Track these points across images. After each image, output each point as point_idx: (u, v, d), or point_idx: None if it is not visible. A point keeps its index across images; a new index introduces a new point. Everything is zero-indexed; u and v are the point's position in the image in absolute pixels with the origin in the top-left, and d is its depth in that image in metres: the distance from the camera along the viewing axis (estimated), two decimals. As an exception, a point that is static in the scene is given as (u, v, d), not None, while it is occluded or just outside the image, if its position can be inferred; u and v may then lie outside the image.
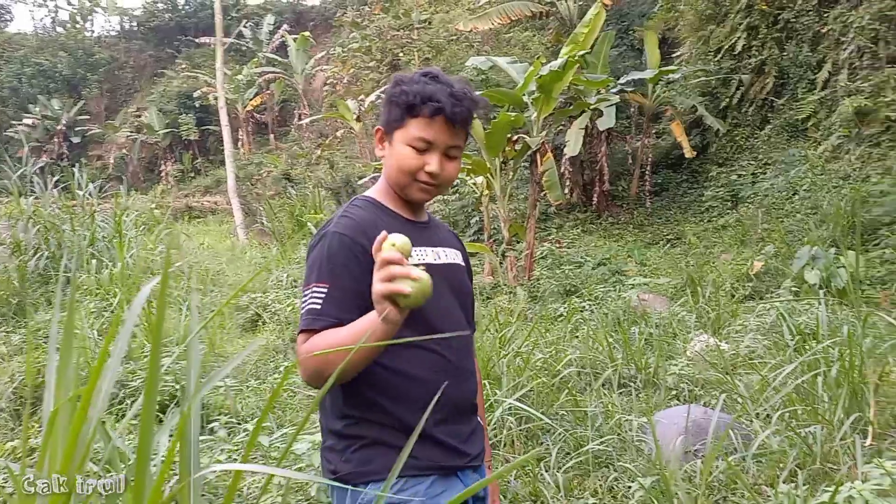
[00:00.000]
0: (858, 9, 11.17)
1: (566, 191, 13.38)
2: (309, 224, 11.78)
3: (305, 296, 1.52)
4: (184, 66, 32.62)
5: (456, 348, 1.64)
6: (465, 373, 1.67)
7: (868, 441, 2.93)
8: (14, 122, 31.49)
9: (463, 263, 1.79)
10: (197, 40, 31.54)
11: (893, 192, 8.92)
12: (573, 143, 11.94)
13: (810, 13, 12.39)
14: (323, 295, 1.49)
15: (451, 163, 1.63)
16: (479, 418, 1.76)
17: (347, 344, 1.40)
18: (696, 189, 13.84)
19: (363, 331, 1.40)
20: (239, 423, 3.80)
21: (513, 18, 14.27)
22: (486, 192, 10.94)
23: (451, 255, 1.72)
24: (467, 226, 14.38)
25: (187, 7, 37.44)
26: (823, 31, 12.00)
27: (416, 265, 1.39)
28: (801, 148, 11.79)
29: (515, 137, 10.02)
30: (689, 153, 13.42)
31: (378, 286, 1.34)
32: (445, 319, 1.62)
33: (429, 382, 1.55)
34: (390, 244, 1.35)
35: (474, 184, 11.42)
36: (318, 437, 3.17)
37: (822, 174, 10.58)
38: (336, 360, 1.41)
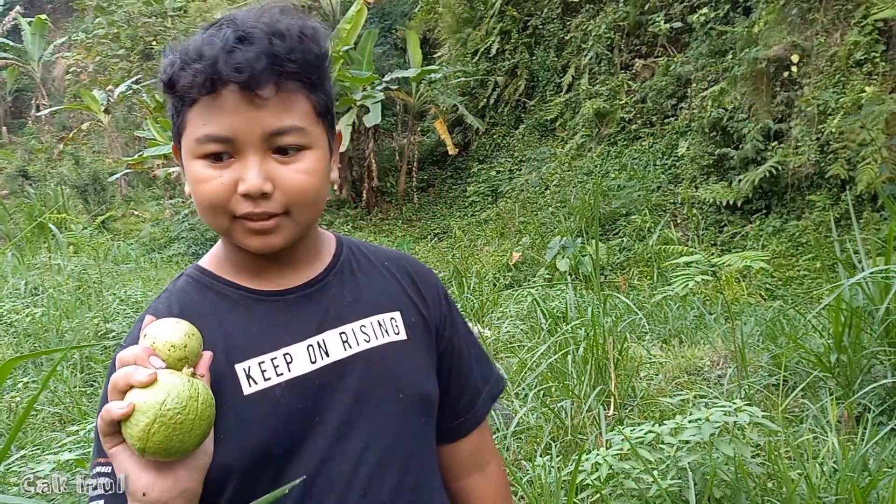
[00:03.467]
0: (596, 18, 12.34)
1: (335, 187, 13.36)
2: (51, 226, 10.66)
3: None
4: None
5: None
6: None
7: (610, 411, 3.25)
8: None
9: (403, 337, 1.02)
10: None
11: (628, 187, 9.99)
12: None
13: (555, 21, 13.47)
14: (105, 482, 0.83)
15: (289, 162, 0.89)
16: None
17: None
18: (460, 185, 14.51)
19: None
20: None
21: (276, 11, 13.95)
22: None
23: (372, 332, 1.00)
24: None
25: None
26: (567, 38, 13.11)
27: (266, 388, 0.89)
28: (550, 146, 12.79)
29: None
30: (452, 150, 14.02)
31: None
32: (341, 456, 0.94)
33: None
34: (149, 342, 0.79)
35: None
36: (65, 457, 2.88)
37: (569, 170, 11.55)
38: None
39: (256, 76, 0.84)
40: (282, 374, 0.92)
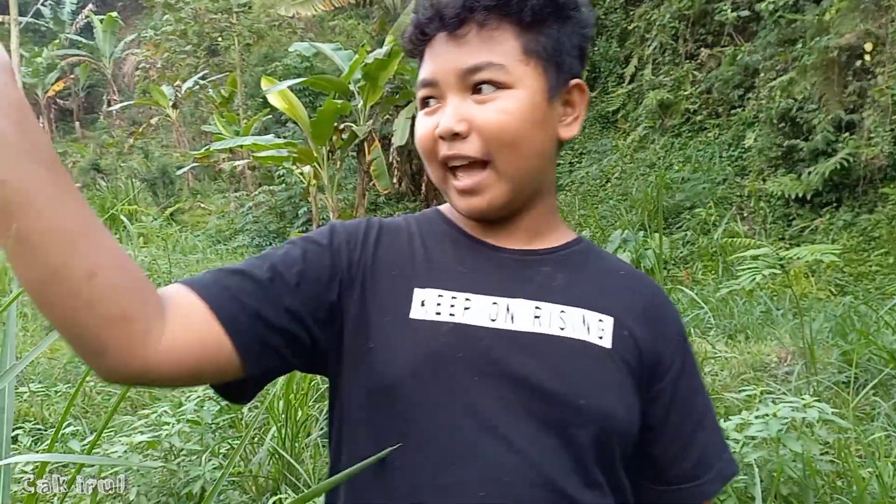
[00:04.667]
0: (660, 8, 12.11)
1: (394, 180, 13.48)
2: (123, 217, 11.03)
3: None
4: (-29, 45, 29.33)
5: None
6: None
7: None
8: None
9: (607, 345, 0.87)
10: (-13, 17, 28.50)
11: (693, 180, 9.79)
12: (400, 132, 12.05)
13: (618, 10, 13.27)
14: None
15: (485, 101, 0.83)
16: None
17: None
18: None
19: None
20: (46, 430, 3.50)
21: (336, 6, 14.12)
22: (314, 181, 10.78)
23: (571, 323, 0.86)
24: (295, 216, 14.11)
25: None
26: (630, 27, 12.90)
27: (433, 321, 0.84)
28: (612, 138, 12.62)
29: (342, 126, 9.95)
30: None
31: None
32: (460, 443, 0.82)
33: None
34: None
35: (301, 173, 11.22)
36: (137, 439, 2.99)
37: (630, 163, 11.39)
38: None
39: (454, 15, 0.83)
40: (454, 315, 0.85)
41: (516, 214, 0.91)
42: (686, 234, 8.88)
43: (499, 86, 0.83)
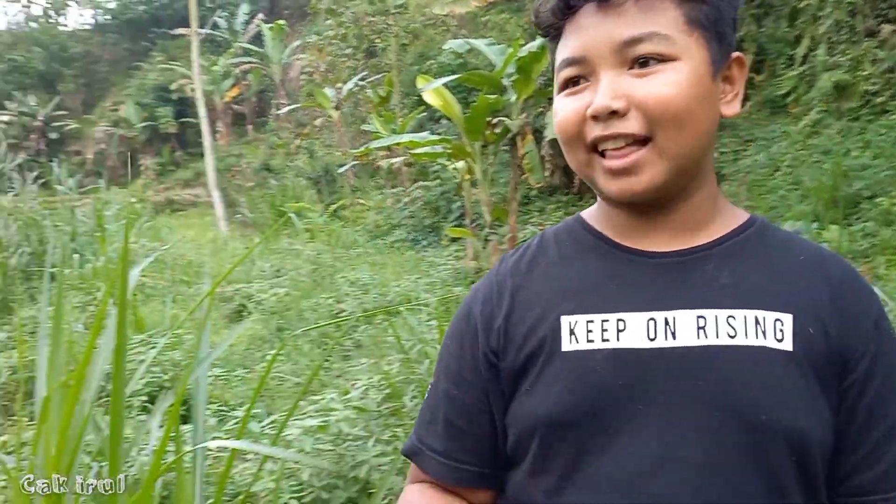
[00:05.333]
0: (834, -17, 11.23)
1: (547, 173, 13.40)
2: (291, 214, 11.72)
3: None
4: (159, 58, 32.24)
5: None
6: None
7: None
8: (-12, 120, 31.05)
9: (787, 347, 0.78)
10: (172, 32, 31.17)
11: (874, 167, 9.01)
12: (553, 124, 11.95)
13: (786, -11, 12.43)
14: (426, 399, 0.94)
15: (648, 74, 0.76)
16: None
17: None
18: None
19: None
20: (229, 411, 3.80)
21: (489, 1, 14.22)
22: (467, 176, 10.94)
23: (743, 327, 0.78)
24: (449, 211, 14.38)
25: (161, -2, 36.98)
26: (801, 6, 12.04)
27: (586, 350, 0.80)
28: (782, 124, 11.87)
29: (495, 120, 10.01)
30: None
31: None
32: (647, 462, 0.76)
33: None
34: None
35: (455, 169, 11.42)
36: (308, 423, 3.18)
37: (802, 149, 10.66)
38: None
39: None
40: (608, 339, 0.79)
41: (673, 203, 0.82)
42: (866, 226, 8.19)
43: (662, 58, 0.76)
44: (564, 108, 0.81)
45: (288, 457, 1.13)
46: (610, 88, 0.76)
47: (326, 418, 2.90)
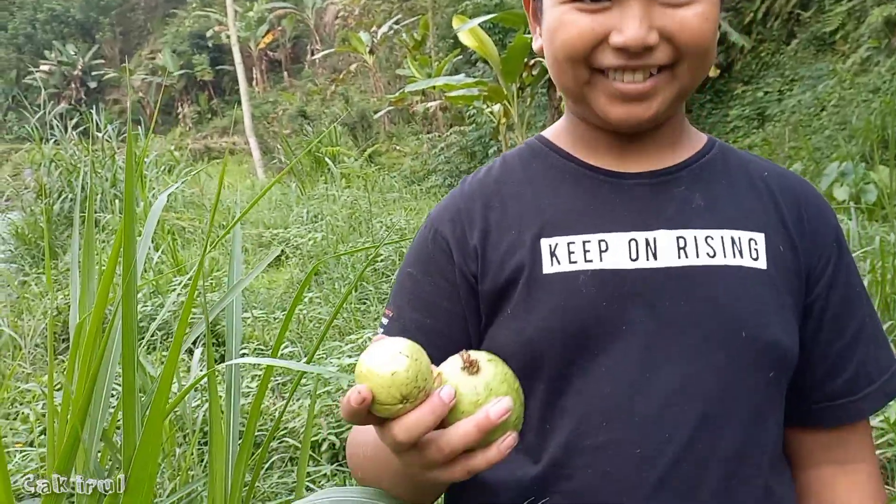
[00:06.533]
0: (890, -90, 10.65)
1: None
2: (327, 160, 11.73)
3: None
4: (194, 4, 32.17)
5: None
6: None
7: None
8: (31, 69, 31.47)
9: (762, 265, 0.79)
10: (206, -23, 31.03)
11: (925, 104, 8.66)
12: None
13: (838, -82, 11.84)
14: (381, 332, 0.86)
15: (682, 5, 0.73)
16: None
17: (374, 466, 0.79)
18: (721, 109, 13.54)
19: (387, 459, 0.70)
20: (267, 351, 3.87)
21: (527, -62, 13.80)
22: (504, 119, 10.80)
23: (721, 247, 0.79)
24: (485, 156, 14.27)
25: (194, -57, 36.72)
26: (853, -64, 11.48)
27: (569, 272, 0.78)
28: (828, 62, 11.44)
29: (532, 62, 9.82)
30: (712, 72, 13.08)
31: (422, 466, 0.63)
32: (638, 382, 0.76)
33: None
34: (359, 373, 0.60)
35: (491, 112, 11.27)
36: (346, 361, 3.22)
37: (850, 88, 10.28)
38: (367, 478, 0.82)
39: None
40: (591, 261, 0.78)
41: (655, 128, 0.81)
42: (917, 166, 7.92)
43: None
44: (576, 25, 0.74)
45: (321, 371, 1.13)
46: (645, 20, 0.72)
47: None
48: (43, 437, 2.60)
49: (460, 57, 14.81)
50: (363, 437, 0.82)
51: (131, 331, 0.86)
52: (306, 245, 6.93)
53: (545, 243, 0.80)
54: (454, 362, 0.63)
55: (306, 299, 5.29)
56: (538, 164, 0.86)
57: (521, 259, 0.79)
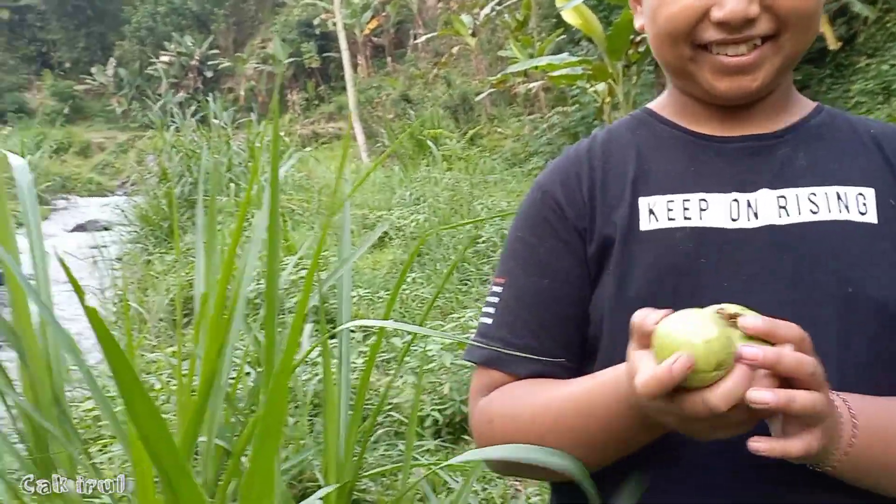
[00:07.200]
0: None
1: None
2: (429, 142, 11.84)
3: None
4: (302, -7, 33.04)
5: None
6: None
7: None
8: (152, 60, 33.32)
9: (871, 219, 0.77)
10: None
11: None
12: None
13: None
14: (495, 301, 0.86)
15: None
16: None
17: (546, 432, 0.76)
18: (842, 84, 12.77)
19: (584, 421, 0.73)
20: (372, 330, 3.98)
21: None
22: (608, 99, 10.57)
23: (825, 203, 0.77)
24: (588, 137, 14.03)
25: (302, -67, 37.67)
26: None
27: (666, 228, 0.78)
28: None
29: (638, 39, 9.55)
30: (833, 44, 12.32)
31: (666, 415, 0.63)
32: None
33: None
34: (666, 342, 0.60)
35: (595, 92, 11.06)
36: (447, 341, 3.28)
37: None
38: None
39: None
40: (690, 218, 0.78)
41: (762, 97, 0.81)
42: None
43: None
44: (677, 3, 0.75)
45: (432, 333, 1.16)
46: None
47: (464, 335, 2.98)
48: (167, 405, 2.79)
49: (563, 37, 14.57)
50: (513, 407, 0.81)
51: (273, 301, 0.92)
52: (409, 227, 7.06)
53: (644, 202, 0.81)
54: (711, 315, 0.61)
55: (409, 279, 5.40)
56: (643, 131, 0.87)
57: (621, 217, 0.80)
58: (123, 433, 0.96)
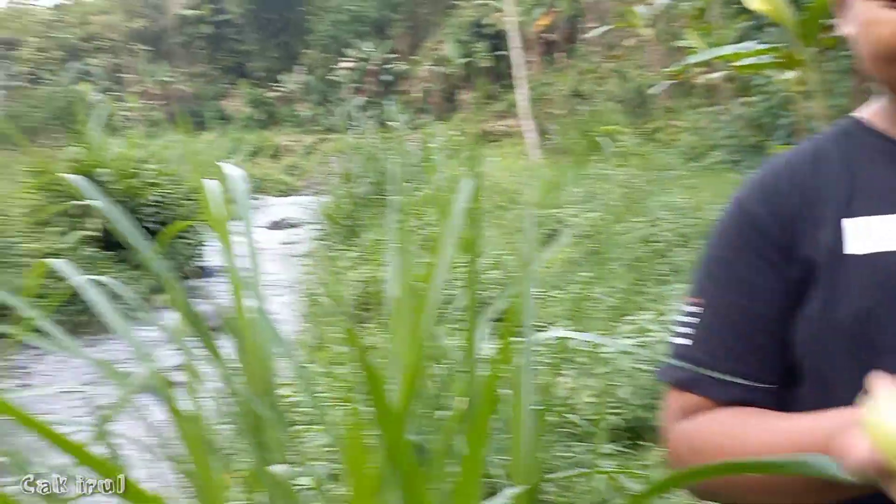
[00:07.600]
0: None
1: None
2: (599, 139, 11.66)
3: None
4: (474, -6, 33.59)
5: None
6: None
7: None
8: (334, 67, 35.37)
9: None
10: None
11: None
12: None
13: None
14: (693, 322, 0.84)
15: None
16: None
17: (749, 464, 0.70)
18: None
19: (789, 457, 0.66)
20: (544, 328, 3.99)
21: None
22: (799, 87, 9.84)
23: None
24: (774, 128, 13.15)
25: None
26: None
27: (874, 253, 0.74)
28: None
29: (831, 22, 8.84)
30: None
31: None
32: None
33: None
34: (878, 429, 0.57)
35: (785, 80, 10.34)
36: (623, 342, 3.22)
37: None
38: (731, 486, 0.75)
39: None
40: None
41: None
42: None
43: None
44: (890, 24, 0.72)
45: (629, 350, 1.17)
46: None
47: (643, 338, 2.92)
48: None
49: (746, 23, 13.78)
50: (731, 446, 0.75)
51: (473, 304, 0.96)
52: (581, 225, 6.99)
53: (848, 223, 0.76)
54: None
55: (581, 279, 5.36)
56: (850, 145, 0.82)
57: (826, 237, 0.77)
58: (332, 423, 1.05)
